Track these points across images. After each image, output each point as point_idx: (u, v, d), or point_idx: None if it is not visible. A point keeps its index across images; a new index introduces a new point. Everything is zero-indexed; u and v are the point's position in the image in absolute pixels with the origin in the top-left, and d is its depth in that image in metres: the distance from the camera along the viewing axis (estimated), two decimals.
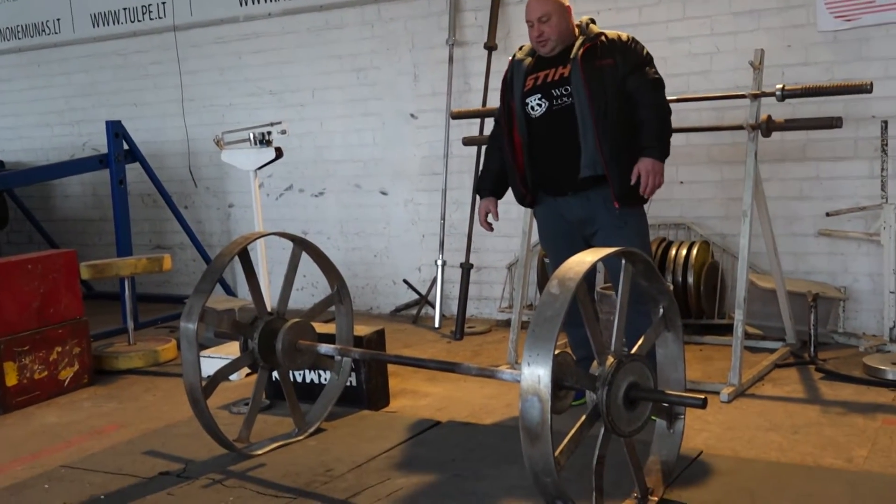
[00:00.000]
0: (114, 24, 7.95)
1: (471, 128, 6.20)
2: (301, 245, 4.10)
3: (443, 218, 6.41)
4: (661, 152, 3.96)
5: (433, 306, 6.40)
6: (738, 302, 4.50)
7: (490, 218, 4.39)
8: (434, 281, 6.45)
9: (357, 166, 7.03)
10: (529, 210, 4.91)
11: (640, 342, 3.06)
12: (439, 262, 6.38)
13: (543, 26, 4.02)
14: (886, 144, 4.97)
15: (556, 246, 4.30)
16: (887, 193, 4.98)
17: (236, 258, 3.85)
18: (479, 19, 6.33)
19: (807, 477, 3.35)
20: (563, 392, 2.83)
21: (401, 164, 6.85)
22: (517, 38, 5.76)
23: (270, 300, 4.92)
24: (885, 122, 4.99)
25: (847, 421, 3.94)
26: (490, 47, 6.13)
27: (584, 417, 2.81)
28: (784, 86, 4.53)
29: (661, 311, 3.19)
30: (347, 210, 7.12)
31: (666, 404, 3.12)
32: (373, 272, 7.06)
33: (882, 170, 5.00)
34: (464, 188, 6.43)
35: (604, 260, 2.95)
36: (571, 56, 4.02)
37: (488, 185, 4.41)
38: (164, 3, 7.66)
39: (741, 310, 4.48)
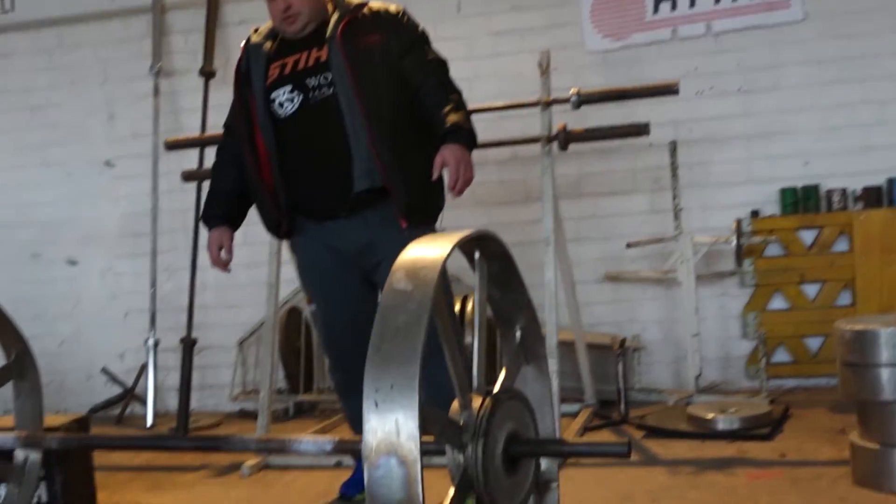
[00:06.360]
0: None
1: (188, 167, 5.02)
2: None
3: (153, 286, 5.12)
4: (469, 137, 3.05)
5: (143, 401, 5.04)
6: (549, 353, 3.65)
7: (224, 254, 3.27)
8: (143, 368, 5.10)
9: (34, 230, 5.65)
10: (275, 254, 3.88)
11: (501, 376, 2.08)
12: (150, 343, 5.06)
13: None
14: (677, 168, 4.45)
15: (326, 287, 3.23)
16: (681, 223, 4.44)
17: None
18: (190, 43, 5.28)
19: None
20: None
21: (94, 225, 5.55)
22: None
23: None
24: (674, 144, 4.48)
25: (707, 480, 3.19)
26: (207, 73, 5.05)
27: (452, 491, 1.75)
28: (579, 90, 3.87)
29: (519, 333, 2.23)
30: (22, 287, 5.58)
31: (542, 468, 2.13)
32: (59, 365, 5.52)
33: (674, 198, 4.46)
34: (178, 250, 5.21)
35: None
36: (328, 35, 3.07)
37: (219, 212, 3.25)
38: None
39: (554, 359, 3.64)
